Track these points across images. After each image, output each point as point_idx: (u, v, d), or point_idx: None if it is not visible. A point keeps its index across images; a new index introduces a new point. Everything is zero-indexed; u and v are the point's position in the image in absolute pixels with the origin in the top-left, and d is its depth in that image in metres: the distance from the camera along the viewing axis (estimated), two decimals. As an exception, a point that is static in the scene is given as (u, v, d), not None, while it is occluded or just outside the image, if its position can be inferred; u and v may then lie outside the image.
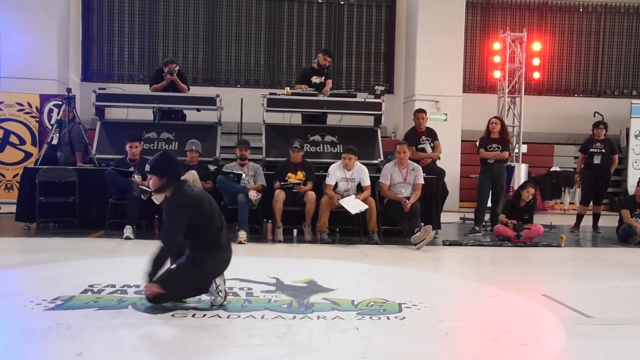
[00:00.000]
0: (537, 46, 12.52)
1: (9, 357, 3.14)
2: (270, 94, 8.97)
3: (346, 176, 7.72)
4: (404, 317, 4.04)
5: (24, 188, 8.01)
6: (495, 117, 9.28)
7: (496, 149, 8.84)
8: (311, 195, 7.62)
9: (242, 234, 7.29)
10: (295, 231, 7.76)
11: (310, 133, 8.98)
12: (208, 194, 4.43)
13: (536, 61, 12.56)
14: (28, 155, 11.09)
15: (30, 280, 5.02)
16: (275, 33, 14.50)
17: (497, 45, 12.31)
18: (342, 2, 14.66)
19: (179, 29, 14.21)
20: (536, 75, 12.76)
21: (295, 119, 9.53)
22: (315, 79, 9.27)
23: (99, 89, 8.99)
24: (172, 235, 4.08)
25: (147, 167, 4.12)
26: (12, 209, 8.34)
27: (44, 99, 11.27)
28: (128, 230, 7.36)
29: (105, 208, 7.63)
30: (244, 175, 7.69)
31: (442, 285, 5.48)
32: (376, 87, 9.14)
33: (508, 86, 12.17)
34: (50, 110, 11.23)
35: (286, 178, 7.77)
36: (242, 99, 10.72)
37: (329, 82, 9.35)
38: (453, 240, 7.99)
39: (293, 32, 14.54)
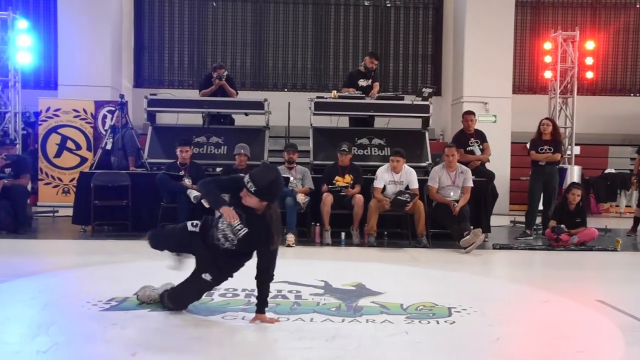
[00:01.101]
0: (590, 45, 12.17)
1: (69, 356, 3.24)
2: (318, 97, 9.00)
3: (394, 179, 7.68)
4: (454, 322, 3.99)
5: (80, 192, 8.26)
6: (546, 118, 9.08)
7: (547, 150, 8.64)
8: (359, 198, 7.61)
9: (291, 237, 7.33)
10: (343, 234, 7.76)
11: (358, 136, 8.95)
12: None
13: (589, 60, 12.20)
14: (83, 160, 11.42)
15: (87, 282, 5.17)
16: (322, 37, 14.55)
17: (548, 45, 12.02)
18: (389, 5, 14.61)
19: (227, 34, 14.42)
20: (589, 74, 12.40)
21: (343, 122, 9.53)
22: (362, 82, 9.25)
23: (150, 94, 9.21)
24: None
25: (253, 187, 3.65)
26: (69, 212, 8.61)
27: (98, 105, 11.59)
28: (179, 233, 7.49)
29: (156, 211, 7.80)
30: (291, 178, 7.74)
31: (493, 289, 5.38)
32: (424, 90, 9.07)
33: (560, 86, 11.88)
34: (104, 116, 11.55)
35: (334, 181, 7.78)
36: (289, 103, 10.79)
37: (376, 85, 9.31)
38: (503, 244, 7.86)
39: (340, 36, 14.56)
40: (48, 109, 11.51)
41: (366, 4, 14.56)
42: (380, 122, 9.49)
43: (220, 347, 3.41)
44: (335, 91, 9.03)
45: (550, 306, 4.70)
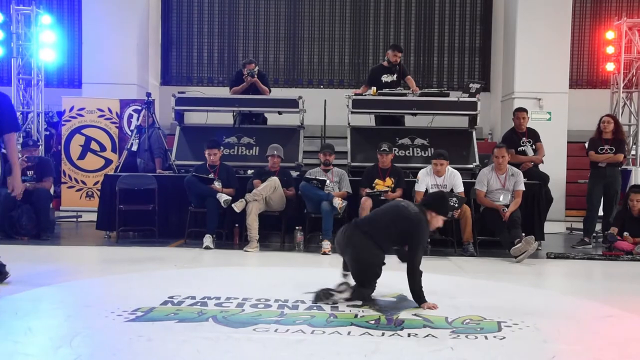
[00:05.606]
0: (659, 33, 11.87)
1: (91, 369, 3.31)
2: (356, 94, 8.99)
3: (437, 182, 7.61)
4: (504, 337, 3.93)
5: (105, 196, 8.42)
6: (607, 115, 8.92)
7: (608, 150, 8.48)
8: (400, 203, 7.56)
9: (327, 244, 7.33)
10: (383, 242, 7.71)
11: (399, 136, 8.92)
12: None
13: (657, 50, 11.91)
14: (108, 162, 11.61)
15: (111, 291, 5.25)
16: (360, 30, 14.53)
17: (610, 35, 11.76)
18: (433, -6, 14.51)
19: (259, 28, 14.52)
20: (657, 66, 12.10)
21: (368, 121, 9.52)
22: (386, 78, 9.24)
23: (178, 92, 9.32)
24: None
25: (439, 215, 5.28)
26: (93, 217, 8.79)
27: (124, 104, 11.78)
28: (208, 240, 7.58)
29: (184, 216, 7.90)
30: (328, 181, 7.75)
31: (547, 302, 5.28)
32: (471, 85, 8.98)
33: (623, 80, 11.62)
34: (130, 116, 11.72)
35: (373, 185, 7.77)
36: (325, 101, 10.82)
37: (410, 79, 9.31)
38: (559, 253, 7.72)
39: (380, 28, 14.50)
40: (72, 109, 11.75)
41: (408, -7, 14.50)
42: (422, 121, 9.44)
43: (251, 362, 3.43)
44: (375, 88, 9.01)
45: (613, 322, 4.60)
